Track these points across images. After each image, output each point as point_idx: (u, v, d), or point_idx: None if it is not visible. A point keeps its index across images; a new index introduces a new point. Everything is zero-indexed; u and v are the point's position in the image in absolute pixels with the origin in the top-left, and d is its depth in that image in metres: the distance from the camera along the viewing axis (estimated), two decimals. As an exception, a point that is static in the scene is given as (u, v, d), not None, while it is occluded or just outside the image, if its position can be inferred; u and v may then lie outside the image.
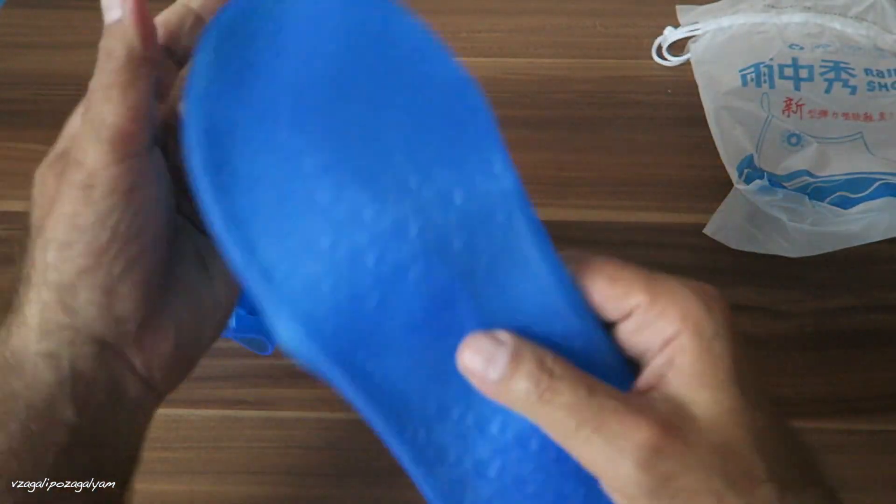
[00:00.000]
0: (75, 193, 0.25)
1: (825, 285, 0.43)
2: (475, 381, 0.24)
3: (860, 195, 0.45)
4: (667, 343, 0.24)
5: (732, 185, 0.47)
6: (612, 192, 0.48)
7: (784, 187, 0.45)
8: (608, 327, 0.26)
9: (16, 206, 0.47)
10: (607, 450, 0.22)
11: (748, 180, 0.45)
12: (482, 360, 0.23)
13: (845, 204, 0.45)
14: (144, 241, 0.26)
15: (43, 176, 0.28)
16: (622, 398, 0.23)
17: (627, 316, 0.25)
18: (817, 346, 0.42)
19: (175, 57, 0.29)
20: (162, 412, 0.38)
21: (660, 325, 0.24)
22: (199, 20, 0.29)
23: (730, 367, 0.23)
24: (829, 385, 0.40)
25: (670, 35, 0.57)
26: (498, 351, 0.23)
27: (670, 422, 0.23)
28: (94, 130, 0.25)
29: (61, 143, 0.29)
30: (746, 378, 0.24)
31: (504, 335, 0.24)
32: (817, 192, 0.45)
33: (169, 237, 0.28)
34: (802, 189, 0.45)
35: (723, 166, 0.48)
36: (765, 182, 0.45)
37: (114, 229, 0.25)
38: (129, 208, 0.25)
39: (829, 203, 0.45)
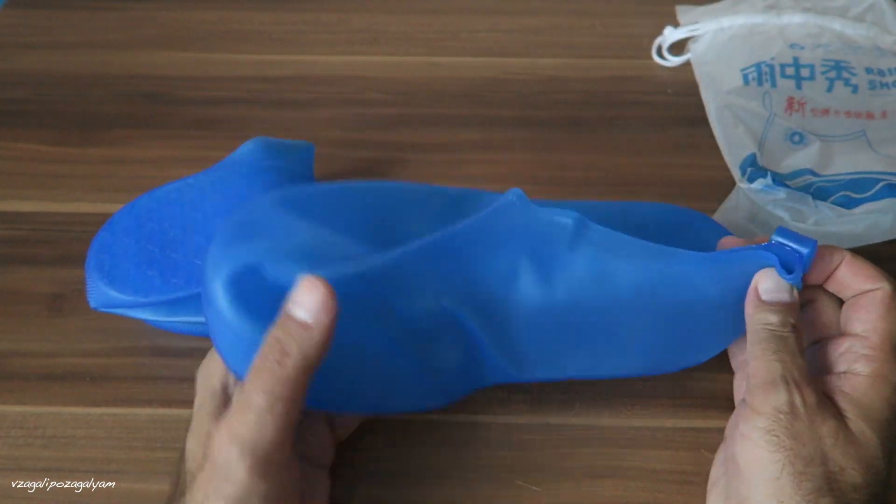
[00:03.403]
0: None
1: (826, 285, 0.43)
2: (757, 290, 0.33)
3: (864, 195, 0.45)
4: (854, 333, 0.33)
5: (733, 185, 0.47)
6: (612, 192, 0.48)
7: (787, 186, 0.45)
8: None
9: (16, 206, 0.47)
10: (778, 377, 0.30)
11: (751, 179, 0.45)
12: (775, 285, 0.32)
13: (849, 204, 0.45)
14: None
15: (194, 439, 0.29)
16: (809, 373, 0.31)
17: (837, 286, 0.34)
18: (818, 345, 0.42)
19: None
20: (161, 412, 0.38)
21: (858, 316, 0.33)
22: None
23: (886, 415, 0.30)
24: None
25: (670, 35, 0.57)
26: (786, 291, 0.32)
27: (820, 405, 0.29)
28: (241, 448, 0.26)
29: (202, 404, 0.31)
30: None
31: (796, 293, 0.33)
32: (820, 191, 0.45)
33: None
34: (806, 188, 0.45)
35: (723, 166, 0.48)
36: (768, 180, 0.45)
37: None
38: None
39: (832, 203, 0.45)
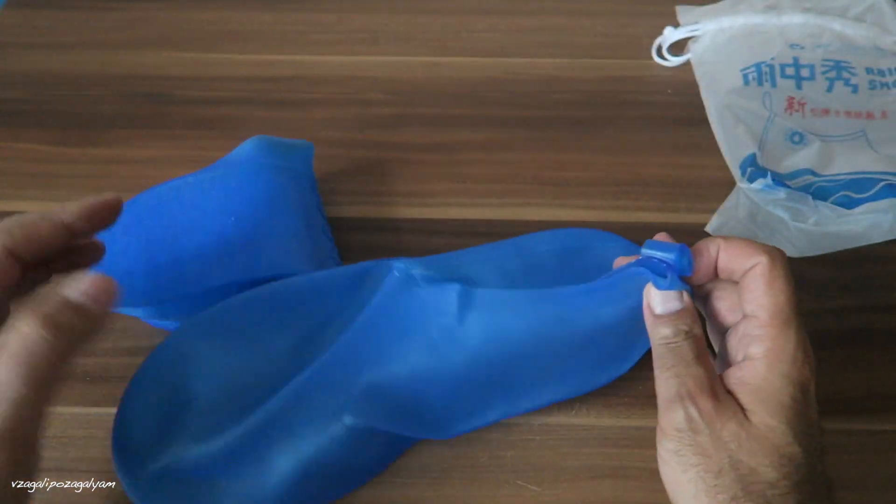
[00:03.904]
0: None
1: (825, 285, 0.43)
2: (646, 304, 0.33)
3: (864, 195, 0.45)
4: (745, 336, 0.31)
5: (732, 185, 0.47)
6: (612, 192, 0.48)
7: (787, 186, 0.45)
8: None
9: (16, 206, 0.47)
10: (673, 395, 0.30)
11: (751, 179, 0.45)
12: (662, 297, 0.32)
13: (849, 204, 0.45)
14: None
15: None
16: (714, 377, 0.30)
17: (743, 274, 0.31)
18: (817, 346, 0.41)
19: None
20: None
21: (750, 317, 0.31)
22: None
23: (788, 406, 0.29)
24: (828, 385, 0.40)
25: (670, 35, 0.57)
26: (675, 299, 0.32)
27: (718, 410, 0.29)
28: None
29: None
30: (800, 421, 0.29)
31: (687, 297, 0.32)
32: (821, 191, 0.45)
33: None
34: (806, 188, 0.45)
35: (723, 166, 0.48)
36: (768, 180, 0.45)
37: None
38: None
39: (832, 203, 0.45)
